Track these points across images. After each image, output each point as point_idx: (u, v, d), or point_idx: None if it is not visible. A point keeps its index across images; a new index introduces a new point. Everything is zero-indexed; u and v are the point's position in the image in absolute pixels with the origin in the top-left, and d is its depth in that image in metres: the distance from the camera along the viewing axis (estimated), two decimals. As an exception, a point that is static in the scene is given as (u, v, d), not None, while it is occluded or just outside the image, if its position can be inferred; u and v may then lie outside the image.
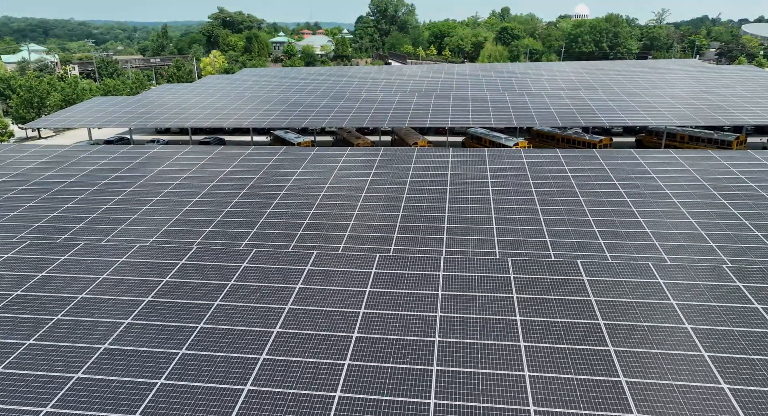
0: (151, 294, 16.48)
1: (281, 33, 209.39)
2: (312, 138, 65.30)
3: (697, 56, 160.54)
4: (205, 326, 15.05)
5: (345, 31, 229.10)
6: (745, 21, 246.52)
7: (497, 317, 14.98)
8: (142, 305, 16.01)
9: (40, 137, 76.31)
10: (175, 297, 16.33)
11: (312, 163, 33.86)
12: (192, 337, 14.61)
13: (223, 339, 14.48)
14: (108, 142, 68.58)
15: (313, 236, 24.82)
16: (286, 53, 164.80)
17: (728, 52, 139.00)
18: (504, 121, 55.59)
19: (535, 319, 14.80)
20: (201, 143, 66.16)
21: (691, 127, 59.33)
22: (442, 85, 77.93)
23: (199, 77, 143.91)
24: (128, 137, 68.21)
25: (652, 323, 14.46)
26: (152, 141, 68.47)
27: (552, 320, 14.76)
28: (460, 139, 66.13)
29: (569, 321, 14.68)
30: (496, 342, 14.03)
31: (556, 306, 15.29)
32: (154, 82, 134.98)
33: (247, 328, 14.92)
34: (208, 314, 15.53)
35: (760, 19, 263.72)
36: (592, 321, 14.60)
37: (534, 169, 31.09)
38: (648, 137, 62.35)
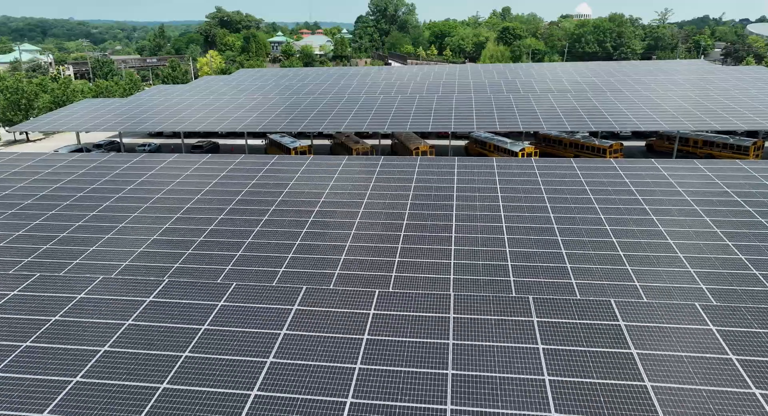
0: (108, 343, 13.92)
1: (279, 33, 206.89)
2: (309, 142, 62.72)
3: (702, 56, 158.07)
4: (168, 386, 12.48)
5: (344, 30, 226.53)
6: (747, 21, 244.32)
7: (521, 376, 12.42)
8: (96, 357, 13.44)
9: (28, 140, 73.73)
10: (135, 346, 13.77)
11: (305, 174, 31.28)
12: (151, 402, 12.04)
13: (189, 405, 11.91)
14: (98, 146, 66.03)
15: (304, 261, 22.25)
16: (284, 53, 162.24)
17: (735, 53, 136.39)
18: (509, 125, 53.01)
19: (568, 380, 12.24)
20: (194, 147, 63.60)
21: (705, 131, 56.82)
22: (443, 87, 75.40)
23: (196, 78, 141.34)
24: (119, 140, 65.64)
25: (709, 386, 11.90)
26: (143, 145, 65.96)
27: (588, 380, 12.20)
28: (463, 143, 63.58)
29: (609, 382, 12.12)
30: (522, 412, 11.46)
31: (591, 361, 12.73)
32: (150, 82, 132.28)
33: (218, 390, 12.35)
34: (174, 370, 12.96)
35: (762, 19, 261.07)
36: (638, 383, 12.04)
37: (548, 181, 28.52)
38: (659, 142, 59.84)
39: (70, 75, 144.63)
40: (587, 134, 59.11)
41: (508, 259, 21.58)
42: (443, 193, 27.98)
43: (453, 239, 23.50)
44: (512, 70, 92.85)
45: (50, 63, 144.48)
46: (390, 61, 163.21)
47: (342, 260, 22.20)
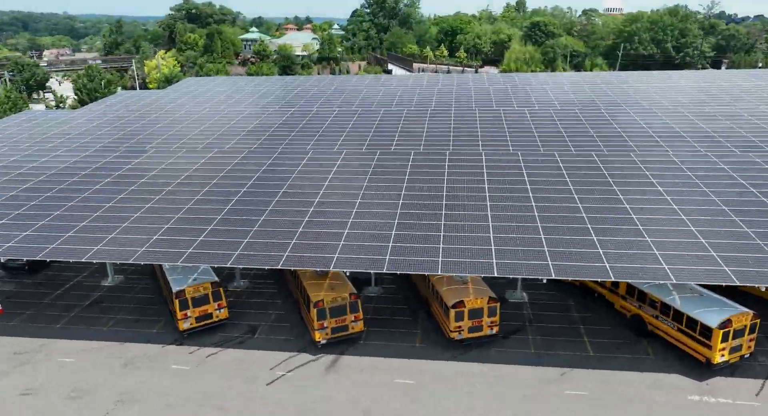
0: None
1: (254, 28, 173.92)
2: (217, 276, 30.62)
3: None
4: None
5: (335, 26, 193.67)
6: (761, 17, 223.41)
7: None
8: None
9: None
10: None
11: None
12: None
13: None
14: None
15: None
16: (256, 54, 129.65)
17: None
18: (705, 275, 21.22)
19: None
20: (8, 262, 31.78)
21: None
22: (482, 126, 43.07)
23: (143, 87, 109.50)
24: None
25: None
26: None
27: None
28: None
29: None
30: None
31: None
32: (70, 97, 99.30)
33: None
34: None
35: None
36: None
37: None
38: None
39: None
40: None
41: None
42: None
43: None
44: (574, 86, 58.92)
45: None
46: (390, 65, 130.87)
47: None
